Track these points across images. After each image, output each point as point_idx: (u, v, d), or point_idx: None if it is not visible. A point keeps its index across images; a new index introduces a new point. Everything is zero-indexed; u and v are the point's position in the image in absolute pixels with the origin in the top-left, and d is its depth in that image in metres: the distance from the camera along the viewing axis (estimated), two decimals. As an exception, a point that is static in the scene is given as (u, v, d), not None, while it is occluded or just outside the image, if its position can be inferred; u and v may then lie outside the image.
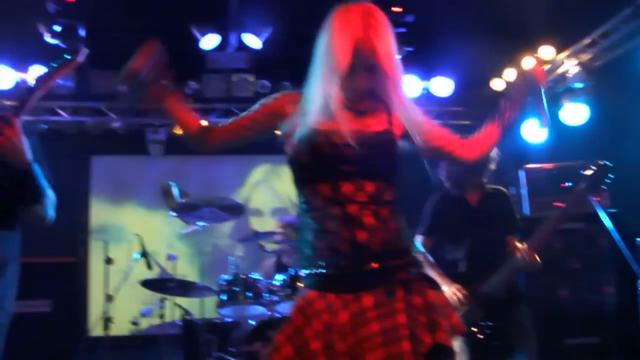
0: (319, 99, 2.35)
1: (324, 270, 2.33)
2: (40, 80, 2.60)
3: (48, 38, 6.81)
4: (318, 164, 2.34)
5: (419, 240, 4.49)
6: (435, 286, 2.40)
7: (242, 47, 7.63)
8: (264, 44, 7.40)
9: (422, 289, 2.33)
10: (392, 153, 2.40)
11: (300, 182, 2.43)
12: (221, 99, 8.13)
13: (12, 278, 2.75)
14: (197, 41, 7.32)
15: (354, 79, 2.36)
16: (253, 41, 7.36)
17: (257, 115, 2.61)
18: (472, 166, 4.19)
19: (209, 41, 7.36)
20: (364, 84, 2.39)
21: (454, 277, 4.30)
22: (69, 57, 2.61)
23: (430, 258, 4.51)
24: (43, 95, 2.62)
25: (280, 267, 6.41)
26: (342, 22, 2.34)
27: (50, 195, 2.76)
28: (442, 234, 4.53)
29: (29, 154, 2.56)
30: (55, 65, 2.61)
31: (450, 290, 4.19)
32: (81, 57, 2.61)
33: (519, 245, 4.16)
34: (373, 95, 2.45)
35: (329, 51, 2.34)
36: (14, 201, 2.71)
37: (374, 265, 2.29)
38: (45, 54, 7.27)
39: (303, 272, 2.41)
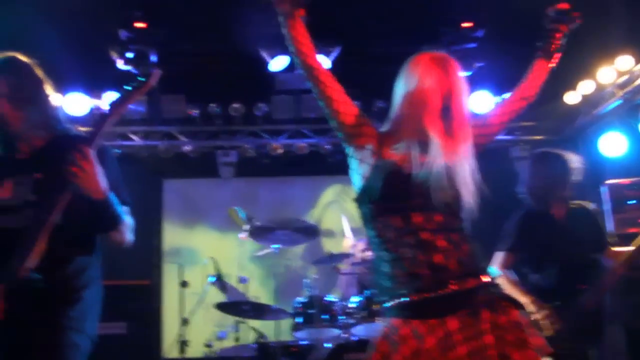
0: (404, 136, 2.46)
1: (407, 299, 2.35)
2: (115, 104, 2.59)
3: (120, 65, 6.93)
4: (391, 196, 2.41)
5: (500, 258, 4.33)
6: (519, 306, 2.43)
7: (313, 68, 7.59)
8: (333, 63, 7.37)
9: (506, 309, 2.36)
10: (455, 185, 2.43)
11: (372, 214, 2.47)
12: (291, 120, 8.14)
13: (93, 301, 2.73)
14: (265, 63, 7.34)
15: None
16: (322, 61, 7.32)
17: (347, 100, 2.59)
18: (556, 179, 4.06)
19: (278, 63, 7.37)
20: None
21: (539, 296, 4.12)
22: (142, 79, 2.58)
23: (514, 276, 4.34)
24: (117, 120, 2.60)
25: (362, 288, 6.30)
26: (428, 69, 2.48)
27: (128, 220, 2.75)
28: (527, 251, 4.35)
29: (104, 183, 2.54)
30: (129, 88, 2.60)
31: (536, 311, 4.02)
32: (154, 79, 2.59)
33: (610, 262, 3.98)
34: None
35: (418, 94, 2.46)
36: (92, 228, 2.71)
37: (453, 286, 2.32)
38: (118, 81, 7.40)
39: (385, 304, 2.43)
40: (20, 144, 2.73)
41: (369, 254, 6.58)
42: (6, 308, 2.42)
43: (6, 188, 2.64)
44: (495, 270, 4.28)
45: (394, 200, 2.40)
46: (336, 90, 2.56)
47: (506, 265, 4.33)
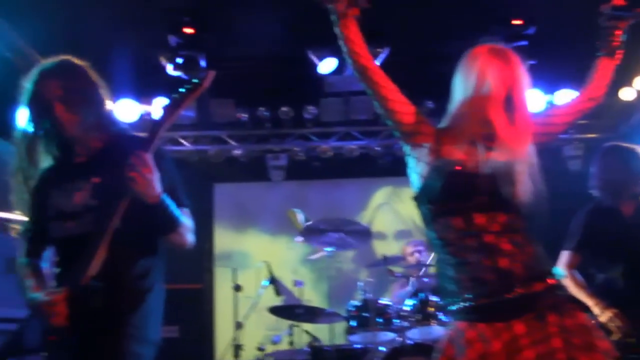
0: (466, 131, 2.42)
1: (472, 303, 2.32)
2: (169, 107, 2.54)
3: (170, 70, 6.98)
4: (452, 196, 2.36)
5: (566, 258, 4.20)
6: (585, 308, 2.40)
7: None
8: (382, 65, 7.30)
9: (572, 312, 2.32)
10: (514, 183, 2.36)
11: (431, 215, 2.43)
12: (340, 122, 8.12)
13: (156, 305, 2.70)
14: (314, 66, 7.32)
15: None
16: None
17: (402, 99, 2.53)
18: (630, 173, 3.92)
19: (326, 65, 7.34)
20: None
21: (608, 298, 3.97)
22: (196, 81, 2.56)
23: (580, 277, 4.19)
24: (172, 123, 2.57)
25: (411, 292, 6.24)
26: (488, 61, 2.44)
27: (187, 222, 2.72)
28: (594, 250, 4.17)
29: (158, 188, 2.51)
30: (183, 90, 2.56)
31: (603, 314, 3.88)
32: (208, 80, 2.56)
33: None
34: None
35: (480, 87, 2.42)
36: (151, 231, 2.69)
37: (519, 290, 2.28)
38: (167, 86, 7.47)
39: (450, 308, 2.40)
40: (77, 147, 2.73)
41: (417, 256, 6.51)
42: (69, 315, 2.42)
43: (67, 194, 2.64)
44: (561, 271, 4.15)
45: (455, 200, 2.35)
46: (391, 90, 2.51)
47: (572, 266, 4.17)
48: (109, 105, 2.82)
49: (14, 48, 6.01)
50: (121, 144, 2.69)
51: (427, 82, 7.93)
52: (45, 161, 2.73)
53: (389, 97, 2.49)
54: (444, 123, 2.52)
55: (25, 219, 2.81)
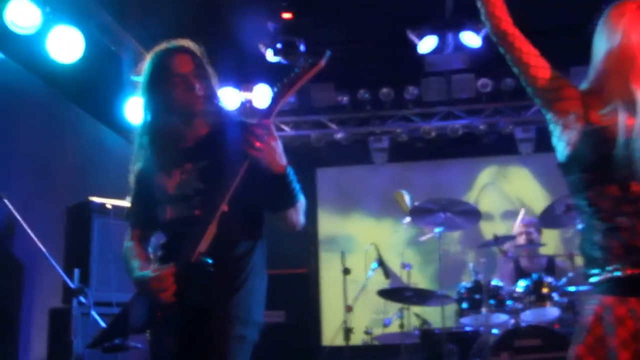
0: (610, 97, 2.26)
1: (620, 273, 2.14)
2: (286, 84, 2.48)
3: (270, 56, 7.00)
4: (606, 164, 2.20)
5: None
6: None
7: (461, 46, 7.40)
8: (483, 40, 7.11)
9: None
10: None
11: (583, 183, 2.28)
12: (442, 102, 7.99)
13: (260, 287, 2.66)
14: (414, 45, 7.20)
15: None
16: (472, 39, 7.10)
17: (544, 64, 2.36)
18: None
19: (426, 44, 7.20)
20: None
21: None
22: (312, 61, 2.49)
23: None
24: (288, 97, 2.52)
25: (519, 273, 6.07)
26: (635, 20, 2.28)
27: (302, 199, 2.68)
28: None
29: (284, 158, 2.48)
30: (297, 70, 2.49)
31: None
32: (324, 60, 2.50)
33: None
34: None
35: (625, 49, 2.26)
36: (265, 208, 2.66)
37: None
38: (267, 73, 7.52)
39: (593, 278, 2.23)
40: (188, 130, 2.70)
41: (528, 236, 6.30)
42: (177, 292, 2.42)
43: (174, 178, 2.64)
44: None
45: (609, 169, 2.19)
46: (532, 55, 2.35)
47: None
48: (218, 90, 2.81)
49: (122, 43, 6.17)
50: (228, 129, 2.68)
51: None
52: (152, 147, 2.72)
53: (530, 63, 2.34)
54: (586, 85, 2.38)
55: (132, 204, 2.83)
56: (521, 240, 6.11)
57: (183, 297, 2.43)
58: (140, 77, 2.75)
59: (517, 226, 6.29)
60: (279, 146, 2.46)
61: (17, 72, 5.34)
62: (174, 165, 2.65)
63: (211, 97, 2.71)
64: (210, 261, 2.40)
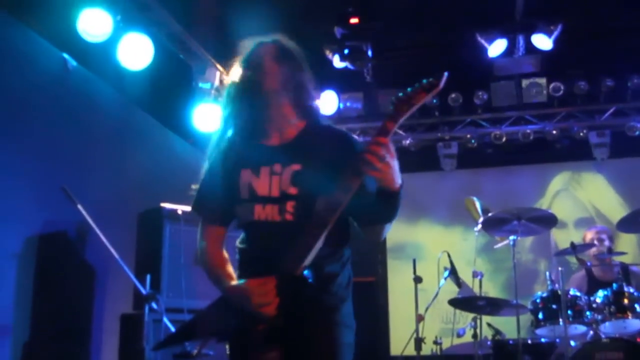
0: None
1: None
2: (403, 101, 2.40)
3: (337, 62, 6.96)
4: None
5: None
6: None
7: (531, 49, 7.24)
8: (555, 43, 6.94)
9: None
10: None
11: None
12: (512, 107, 7.84)
13: (352, 294, 2.62)
14: (482, 49, 7.07)
15: None
16: (543, 42, 6.96)
17: None
18: None
19: (496, 47, 7.09)
20: None
21: None
22: (432, 79, 2.41)
23: None
24: (403, 118, 2.41)
25: (593, 282, 5.87)
26: None
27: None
28: None
29: (400, 177, 2.40)
30: (411, 89, 2.41)
31: None
32: (442, 81, 2.40)
33: None
34: None
35: None
36: (360, 221, 2.58)
37: None
38: (334, 79, 7.49)
39: None
40: (272, 129, 2.61)
41: (600, 244, 6.09)
42: (280, 304, 2.34)
43: (263, 177, 2.53)
44: None
45: None
46: None
47: None
48: (314, 93, 2.71)
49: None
50: (319, 134, 2.60)
51: (604, 59, 7.49)
52: (237, 140, 2.63)
53: None
54: None
55: (205, 196, 2.69)
56: (594, 248, 5.92)
57: (287, 310, 2.35)
58: (210, 83, 2.73)
59: (589, 234, 6.10)
60: (396, 164, 2.37)
61: (89, 79, 5.43)
62: (262, 164, 2.54)
63: (304, 98, 2.62)
64: (311, 274, 2.35)
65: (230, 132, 2.64)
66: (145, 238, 4.93)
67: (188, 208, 4.82)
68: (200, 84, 6.30)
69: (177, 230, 4.80)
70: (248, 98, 2.56)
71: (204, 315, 2.51)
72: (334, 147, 2.53)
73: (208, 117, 6.27)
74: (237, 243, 2.64)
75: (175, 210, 4.85)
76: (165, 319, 4.02)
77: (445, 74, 2.37)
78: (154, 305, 3.99)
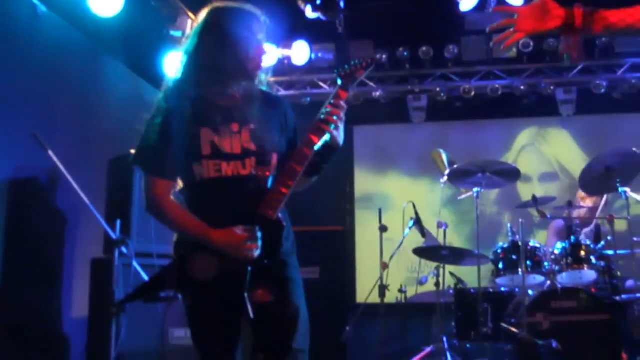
0: None
1: None
2: (345, 74, 2.78)
3: (309, 13, 6.96)
4: None
5: None
6: None
7: (503, 5, 7.28)
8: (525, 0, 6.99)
9: None
10: None
11: None
12: (482, 61, 7.90)
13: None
14: (455, 3, 7.10)
15: None
16: (514, -2, 6.99)
17: None
18: None
19: (468, 2, 7.10)
20: None
21: None
22: (366, 59, 2.83)
23: None
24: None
25: (569, 234, 6.04)
26: None
27: None
28: None
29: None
30: (349, 66, 2.79)
31: None
32: (374, 62, 2.88)
33: None
34: None
35: None
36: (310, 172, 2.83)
37: None
38: (306, 30, 7.48)
39: None
40: (230, 89, 2.76)
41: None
42: (264, 247, 2.61)
43: (224, 135, 2.70)
44: None
45: None
46: None
47: None
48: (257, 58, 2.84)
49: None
50: (260, 97, 2.84)
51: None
52: (195, 99, 2.74)
53: None
54: None
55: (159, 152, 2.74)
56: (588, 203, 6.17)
57: (268, 250, 2.63)
58: (193, 28, 2.84)
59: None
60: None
61: (60, 25, 5.38)
62: (221, 123, 2.71)
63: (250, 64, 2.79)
64: (284, 218, 2.69)
65: (185, 88, 2.77)
66: (115, 184, 4.96)
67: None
68: (172, 32, 6.28)
69: (148, 177, 4.85)
70: (216, 57, 2.73)
71: (182, 263, 2.67)
72: (275, 109, 2.87)
73: (187, 55, 6.28)
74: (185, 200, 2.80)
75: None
76: (135, 263, 4.09)
77: (378, 56, 2.74)
78: (124, 250, 4.06)
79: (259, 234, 2.59)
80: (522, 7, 2.43)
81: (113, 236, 4.08)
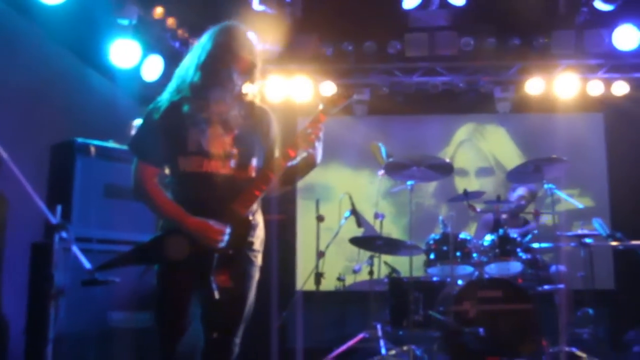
0: None
1: None
2: (327, 102, 3.11)
3: (256, 5, 7.06)
4: None
5: None
6: None
7: (445, 4, 7.50)
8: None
9: None
10: None
11: None
12: (424, 57, 8.06)
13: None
14: (399, 0, 7.28)
15: None
16: (456, -3, 7.22)
17: None
18: None
19: (411, 0, 7.29)
20: None
21: None
22: (347, 92, 3.22)
23: None
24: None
25: (496, 227, 6.29)
26: None
27: None
28: None
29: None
30: (331, 95, 3.19)
31: None
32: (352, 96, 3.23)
33: None
34: None
35: None
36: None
37: None
38: (253, 22, 7.55)
39: None
40: (222, 97, 3.07)
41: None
42: (230, 239, 2.92)
43: (212, 137, 3.03)
44: None
45: None
46: None
47: None
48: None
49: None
50: (247, 107, 3.15)
51: (513, 18, 7.79)
52: (191, 103, 3.06)
53: None
54: None
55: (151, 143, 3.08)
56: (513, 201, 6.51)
57: (234, 242, 2.94)
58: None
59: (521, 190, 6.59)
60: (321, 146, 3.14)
61: (4, 12, 5.39)
62: (209, 126, 3.05)
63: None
64: (250, 218, 2.99)
65: (182, 89, 3.11)
66: (57, 170, 5.01)
67: (100, 142, 4.98)
68: (119, 20, 6.32)
69: (89, 163, 4.92)
70: (218, 72, 3.03)
71: (157, 242, 3.00)
72: (259, 119, 3.16)
73: (125, 53, 6.33)
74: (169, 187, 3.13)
75: (87, 144, 4.96)
76: (74, 248, 4.16)
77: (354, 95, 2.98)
78: (64, 235, 4.13)
79: (228, 230, 2.90)
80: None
81: (53, 221, 4.13)
